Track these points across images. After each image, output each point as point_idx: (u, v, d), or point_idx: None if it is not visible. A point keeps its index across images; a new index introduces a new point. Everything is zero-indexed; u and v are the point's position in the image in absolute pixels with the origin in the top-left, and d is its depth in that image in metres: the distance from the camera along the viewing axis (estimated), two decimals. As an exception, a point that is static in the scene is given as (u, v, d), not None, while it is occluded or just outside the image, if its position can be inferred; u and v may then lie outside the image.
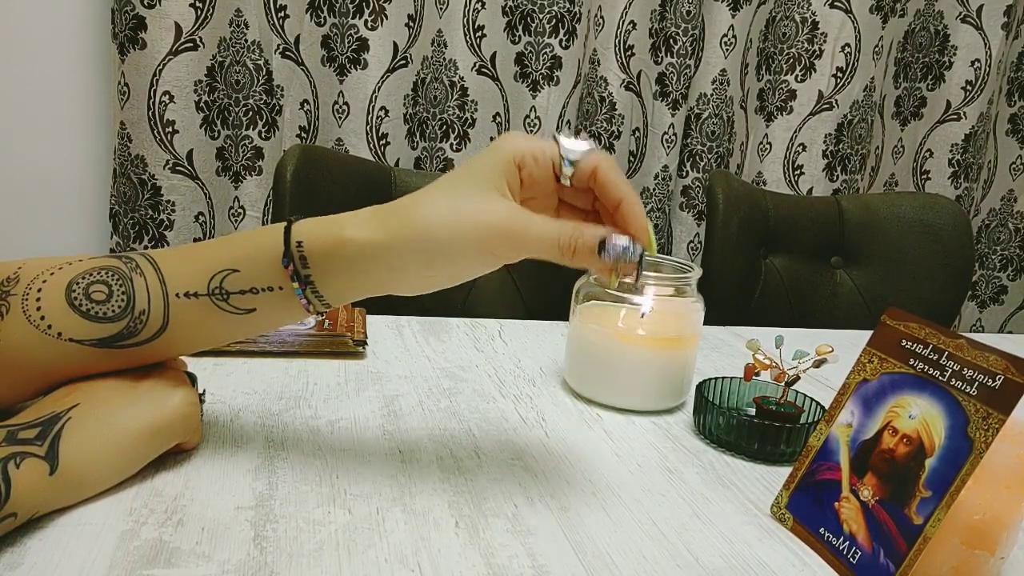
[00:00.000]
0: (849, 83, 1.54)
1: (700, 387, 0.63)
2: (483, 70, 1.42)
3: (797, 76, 1.54)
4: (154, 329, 0.47)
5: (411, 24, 1.35)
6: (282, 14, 1.31)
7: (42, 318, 0.45)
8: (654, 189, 1.58)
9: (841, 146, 1.58)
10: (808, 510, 0.49)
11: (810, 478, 0.50)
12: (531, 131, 1.47)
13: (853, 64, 1.53)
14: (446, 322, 0.85)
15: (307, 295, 0.47)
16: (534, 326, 0.86)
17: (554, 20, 1.41)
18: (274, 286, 0.47)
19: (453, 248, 0.45)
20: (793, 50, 1.53)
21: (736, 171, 1.61)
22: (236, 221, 1.37)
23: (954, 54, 1.63)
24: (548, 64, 1.44)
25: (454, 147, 1.45)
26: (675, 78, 1.51)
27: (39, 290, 0.46)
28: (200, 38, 1.23)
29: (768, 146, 1.58)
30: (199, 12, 1.22)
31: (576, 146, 0.47)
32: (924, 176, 1.71)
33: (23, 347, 0.45)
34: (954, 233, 1.25)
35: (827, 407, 0.51)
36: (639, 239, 0.45)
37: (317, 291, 0.47)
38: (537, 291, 1.16)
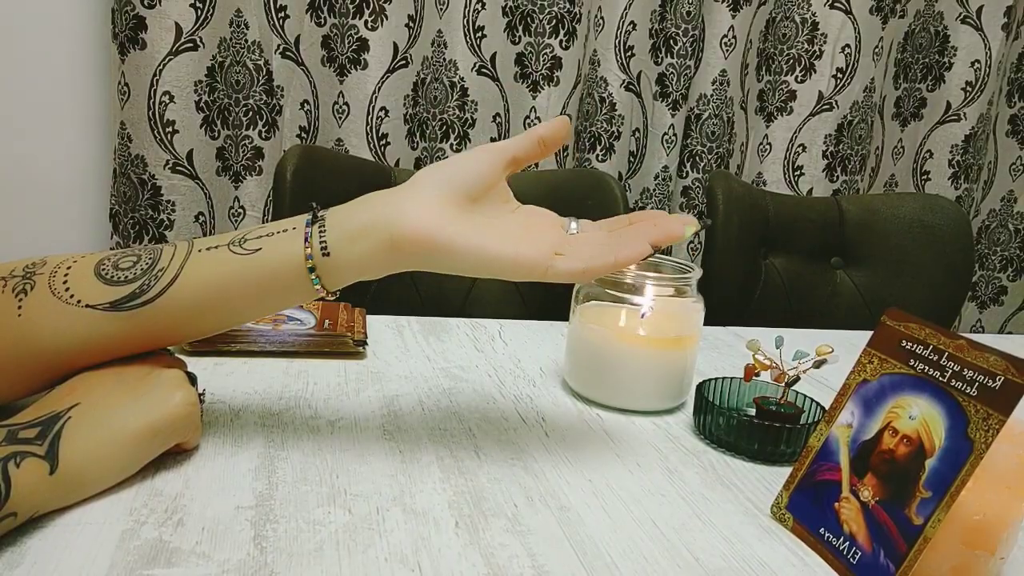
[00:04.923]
0: (849, 84, 1.54)
1: (700, 387, 0.63)
2: (483, 70, 1.42)
3: (797, 77, 1.54)
4: (165, 283, 0.47)
5: (411, 24, 1.35)
6: (282, 14, 1.31)
7: (67, 289, 0.47)
8: (654, 189, 1.58)
9: (841, 147, 1.58)
10: (808, 510, 0.49)
11: (810, 478, 0.50)
12: (531, 131, 1.47)
13: (853, 65, 1.53)
14: (446, 322, 0.85)
15: (313, 232, 0.48)
16: (534, 326, 0.86)
17: (554, 21, 1.41)
18: (288, 228, 0.49)
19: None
20: (793, 51, 1.53)
21: (736, 172, 1.61)
22: (236, 221, 1.37)
23: (954, 55, 1.63)
24: (548, 64, 1.44)
25: (454, 147, 1.45)
26: (675, 79, 1.51)
27: (68, 268, 0.48)
28: (200, 38, 1.23)
29: (768, 147, 1.58)
30: (199, 12, 1.22)
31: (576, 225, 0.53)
32: (924, 177, 1.71)
33: (41, 320, 0.46)
34: (954, 234, 1.25)
35: (827, 407, 0.51)
36: (676, 227, 0.50)
37: (324, 228, 0.48)
38: (537, 291, 1.16)
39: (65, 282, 0.47)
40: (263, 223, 0.53)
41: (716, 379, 0.64)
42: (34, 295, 0.46)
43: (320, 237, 0.48)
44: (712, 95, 1.53)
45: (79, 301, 0.46)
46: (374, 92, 1.35)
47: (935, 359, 0.45)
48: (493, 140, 1.46)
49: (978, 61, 1.62)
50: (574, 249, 0.50)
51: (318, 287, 0.49)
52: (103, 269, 0.48)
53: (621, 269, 0.52)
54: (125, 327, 0.47)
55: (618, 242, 0.50)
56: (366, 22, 1.32)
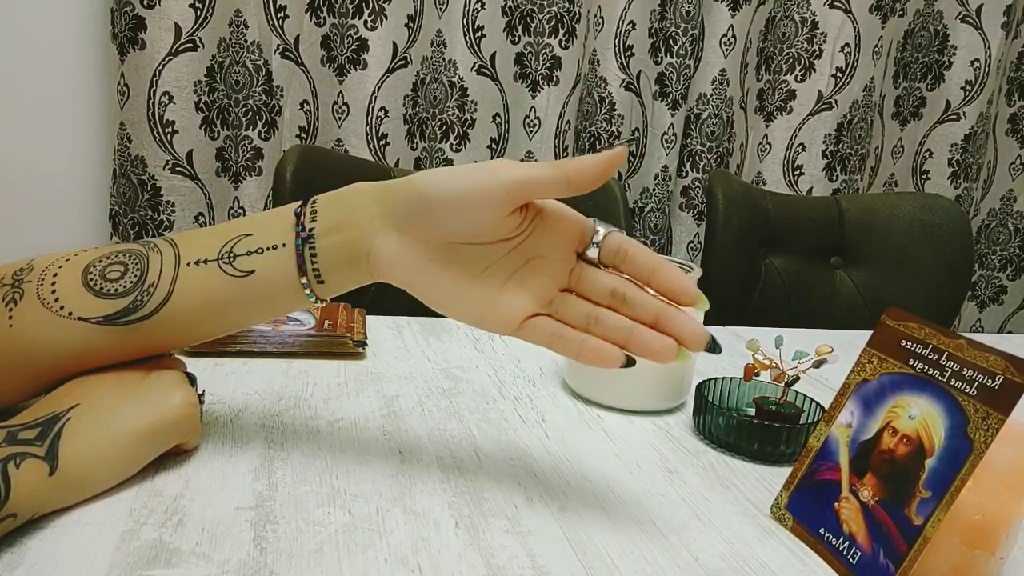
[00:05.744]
0: (849, 83, 1.54)
1: (700, 387, 0.63)
2: (483, 70, 1.42)
3: (797, 76, 1.54)
4: (159, 300, 0.46)
5: (411, 24, 1.35)
6: (282, 14, 1.31)
7: (56, 299, 0.46)
8: (654, 189, 1.58)
9: (841, 146, 1.58)
10: (808, 510, 0.49)
11: (810, 478, 0.50)
12: (530, 132, 1.47)
13: (853, 64, 1.53)
14: (446, 322, 0.85)
15: (305, 257, 0.47)
16: (534, 326, 0.86)
17: (554, 20, 1.41)
18: (278, 244, 0.47)
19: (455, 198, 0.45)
20: (793, 50, 1.54)
21: (736, 171, 1.61)
22: (236, 221, 1.36)
23: (954, 54, 1.63)
24: (548, 64, 1.44)
25: (454, 147, 1.45)
26: (675, 78, 1.51)
27: (55, 275, 0.47)
28: (200, 38, 1.23)
29: (768, 146, 1.58)
30: (199, 12, 1.22)
31: (605, 228, 0.47)
32: (924, 176, 1.71)
33: (33, 331, 0.46)
34: (954, 233, 1.25)
35: (827, 407, 0.51)
36: (686, 298, 0.45)
37: (314, 252, 0.47)
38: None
39: (54, 292, 0.46)
40: (250, 219, 0.51)
41: (716, 379, 0.64)
42: (24, 305, 0.46)
43: (313, 264, 0.47)
44: (712, 95, 1.53)
45: (70, 313, 0.46)
46: (374, 92, 1.35)
47: (935, 359, 0.45)
48: (493, 140, 1.46)
49: (978, 60, 1.62)
50: (555, 309, 0.47)
51: (317, 305, 0.49)
52: (90, 279, 0.46)
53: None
54: (119, 339, 0.47)
55: (597, 330, 0.46)
56: (365, 22, 1.32)
